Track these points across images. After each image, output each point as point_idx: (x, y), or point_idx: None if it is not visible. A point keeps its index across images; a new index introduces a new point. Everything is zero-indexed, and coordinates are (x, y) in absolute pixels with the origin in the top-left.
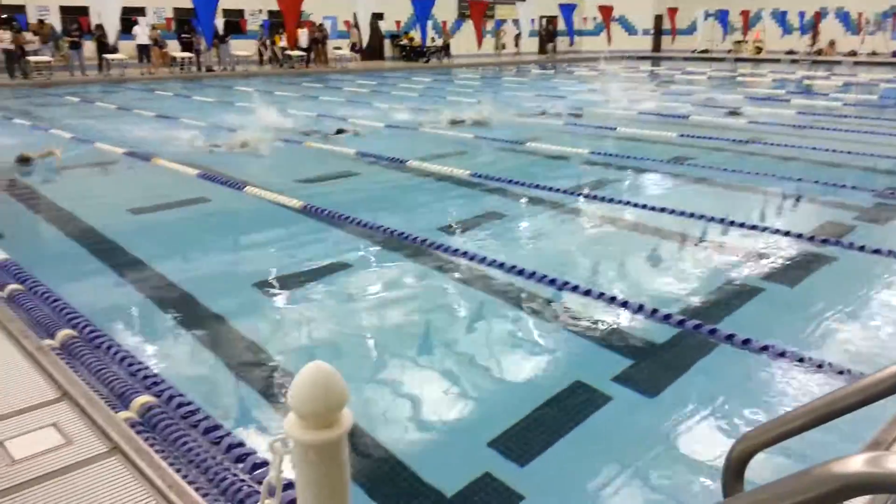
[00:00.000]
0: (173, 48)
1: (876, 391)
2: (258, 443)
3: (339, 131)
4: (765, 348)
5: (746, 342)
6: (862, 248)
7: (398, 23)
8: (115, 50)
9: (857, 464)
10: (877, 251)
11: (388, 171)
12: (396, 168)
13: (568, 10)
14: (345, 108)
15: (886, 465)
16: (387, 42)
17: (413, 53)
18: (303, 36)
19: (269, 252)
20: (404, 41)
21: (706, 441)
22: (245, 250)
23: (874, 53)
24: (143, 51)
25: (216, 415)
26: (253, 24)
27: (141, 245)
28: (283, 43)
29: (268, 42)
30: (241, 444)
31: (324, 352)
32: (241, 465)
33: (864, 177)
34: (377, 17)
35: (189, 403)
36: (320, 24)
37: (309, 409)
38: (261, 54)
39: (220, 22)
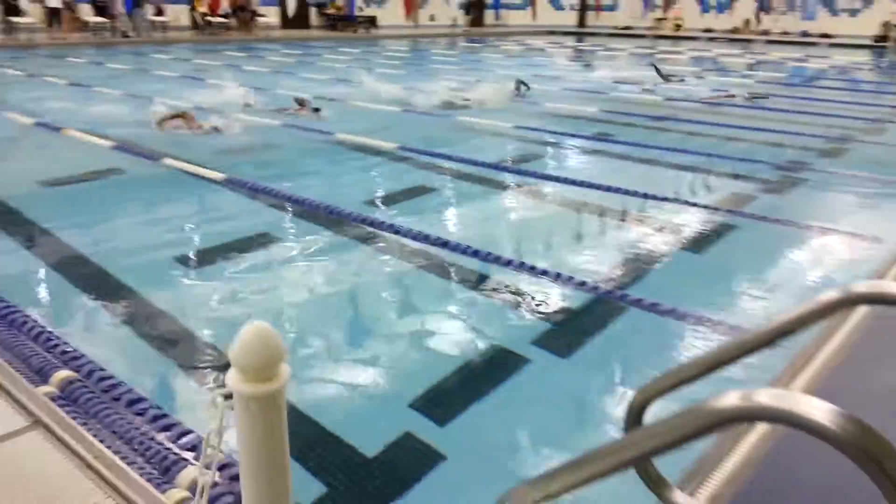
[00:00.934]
0: (86, 12)
1: (754, 345)
2: (182, 413)
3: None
4: (670, 311)
5: (654, 305)
6: (763, 218)
7: None
8: (23, 13)
9: (732, 399)
10: (776, 220)
11: (317, 143)
12: (324, 140)
13: None
14: (273, 78)
15: (754, 399)
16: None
17: (339, 22)
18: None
19: (189, 225)
20: (331, 10)
21: (614, 394)
22: (164, 223)
23: (785, 33)
24: (53, 14)
25: (137, 388)
26: None
27: (53, 218)
28: (203, 8)
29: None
30: (165, 415)
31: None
32: (166, 434)
33: (768, 151)
34: None
35: (110, 377)
36: None
37: (250, 364)
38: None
39: None
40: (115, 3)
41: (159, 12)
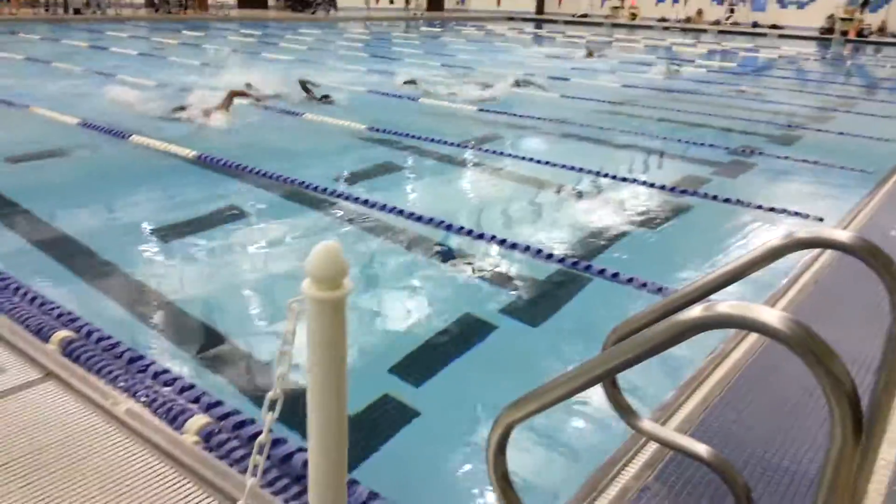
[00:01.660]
0: None
1: (715, 286)
2: (179, 369)
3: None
4: (630, 280)
5: (615, 275)
6: (715, 198)
7: None
8: None
9: (696, 311)
10: (727, 200)
11: (284, 123)
12: (293, 120)
13: None
14: (235, 58)
15: (715, 309)
16: None
17: (298, 3)
18: None
19: (162, 201)
20: None
21: (580, 354)
22: (137, 199)
23: (736, 24)
24: None
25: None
26: None
27: (24, 194)
28: None
29: None
30: (166, 371)
31: (222, 294)
32: (170, 388)
33: (721, 136)
34: None
35: (109, 337)
36: None
37: (321, 275)
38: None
39: None
40: None
41: None
